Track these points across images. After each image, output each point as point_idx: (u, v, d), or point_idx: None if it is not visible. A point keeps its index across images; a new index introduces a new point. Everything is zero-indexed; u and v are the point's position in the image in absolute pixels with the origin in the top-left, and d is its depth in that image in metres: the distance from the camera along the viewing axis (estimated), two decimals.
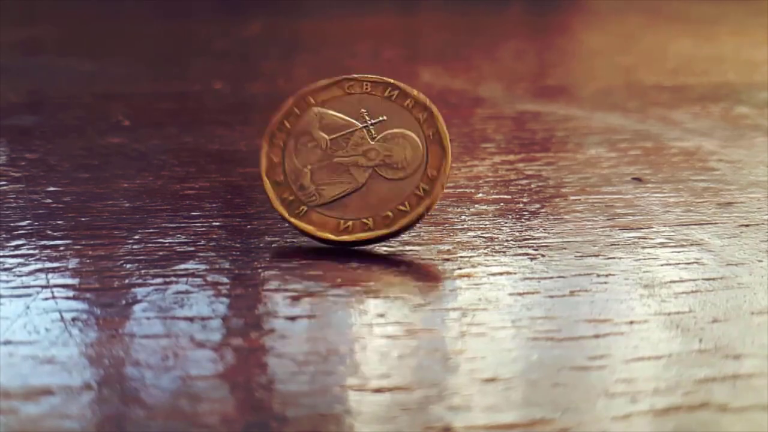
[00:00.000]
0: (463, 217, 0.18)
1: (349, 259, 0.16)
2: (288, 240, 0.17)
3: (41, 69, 0.33)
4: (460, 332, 0.13)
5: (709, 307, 0.14)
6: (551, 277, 0.15)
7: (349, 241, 0.16)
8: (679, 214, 0.18)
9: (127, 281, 0.15)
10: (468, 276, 0.15)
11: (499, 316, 0.14)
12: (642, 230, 0.17)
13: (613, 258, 0.16)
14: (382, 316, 0.14)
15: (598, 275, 0.15)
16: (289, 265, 0.16)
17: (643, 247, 0.16)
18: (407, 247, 0.16)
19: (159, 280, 0.15)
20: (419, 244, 0.16)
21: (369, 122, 0.17)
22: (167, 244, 0.16)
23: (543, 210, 0.18)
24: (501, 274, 0.15)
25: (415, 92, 0.17)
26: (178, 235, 0.17)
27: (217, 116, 0.26)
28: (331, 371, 0.12)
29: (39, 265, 0.15)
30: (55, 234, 0.17)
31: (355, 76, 0.17)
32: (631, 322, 0.14)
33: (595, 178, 0.20)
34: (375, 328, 0.14)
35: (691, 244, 0.17)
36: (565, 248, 0.16)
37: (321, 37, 0.42)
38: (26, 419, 0.11)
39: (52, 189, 0.20)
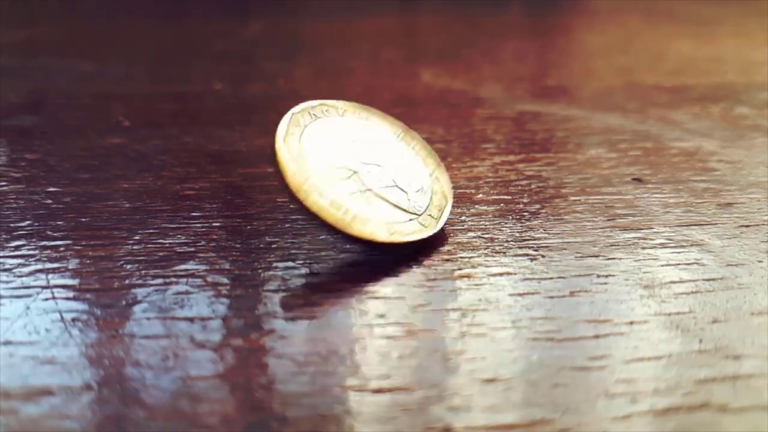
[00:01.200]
0: (463, 217, 0.18)
1: (349, 259, 0.16)
2: (288, 240, 0.17)
3: (41, 69, 0.33)
4: (460, 333, 0.13)
5: (709, 307, 0.14)
6: (551, 278, 0.15)
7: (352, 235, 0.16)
8: (679, 214, 0.18)
9: (127, 282, 0.15)
10: (468, 276, 0.15)
11: (500, 317, 0.14)
12: (642, 231, 0.17)
13: (613, 258, 0.16)
14: (382, 316, 0.14)
15: (598, 276, 0.15)
16: (290, 266, 0.16)
17: (643, 248, 0.16)
18: (407, 248, 0.16)
19: (159, 280, 0.15)
20: (419, 245, 0.16)
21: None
22: (167, 245, 0.16)
23: (543, 210, 0.18)
24: (501, 274, 0.15)
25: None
26: (179, 236, 0.17)
27: (217, 117, 0.26)
28: (331, 372, 0.12)
29: (39, 266, 0.16)
30: (55, 234, 0.17)
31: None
32: (631, 323, 0.14)
33: (595, 178, 0.20)
34: (375, 328, 0.14)
35: (691, 245, 0.17)
36: (565, 249, 0.16)
37: (321, 38, 0.42)
38: (26, 419, 0.11)
39: (52, 189, 0.20)
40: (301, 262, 0.16)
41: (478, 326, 0.14)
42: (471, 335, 0.13)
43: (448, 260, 0.16)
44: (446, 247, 0.16)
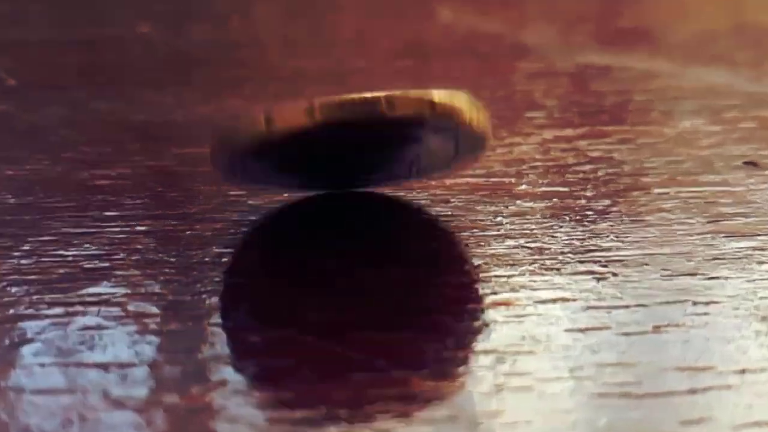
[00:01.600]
0: (499, 218, 0.18)
1: (340, 279, 0.16)
2: (245, 252, 0.17)
3: None
4: (494, 385, 0.13)
5: None
6: (627, 306, 0.15)
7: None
8: None
9: (12, 312, 0.15)
10: (506, 304, 0.15)
11: (551, 363, 0.14)
12: (758, 238, 0.17)
13: (717, 278, 0.16)
14: (386, 363, 0.14)
15: (695, 303, 0.15)
16: (247, 288, 0.16)
17: (760, 262, 0.16)
18: (424, 265, 0.16)
19: (58, 309, 0.15)
20: (440, 259, 0.16)
21: None
22: (70, 258, 0.16)
23: (614, 209, 0.18)
24: (554, 301, 0.15)
25: None
26: (86, 245, 0.17)
27: (143, 74, 0.26)
28: None
29: None
30: None
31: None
32: (743, 371, 0.14)
33: (690, 162, 0.20)
34: (376, 381, 0.13)
35: None
36: (646, 264, 0.16)
37: None
38: None
39: None
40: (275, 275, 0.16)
41: (520, 376, 0.14)
42: (510, 389, 0.13)
43: (477, 280, 0.16)
44: (476, 262, 0.16)
